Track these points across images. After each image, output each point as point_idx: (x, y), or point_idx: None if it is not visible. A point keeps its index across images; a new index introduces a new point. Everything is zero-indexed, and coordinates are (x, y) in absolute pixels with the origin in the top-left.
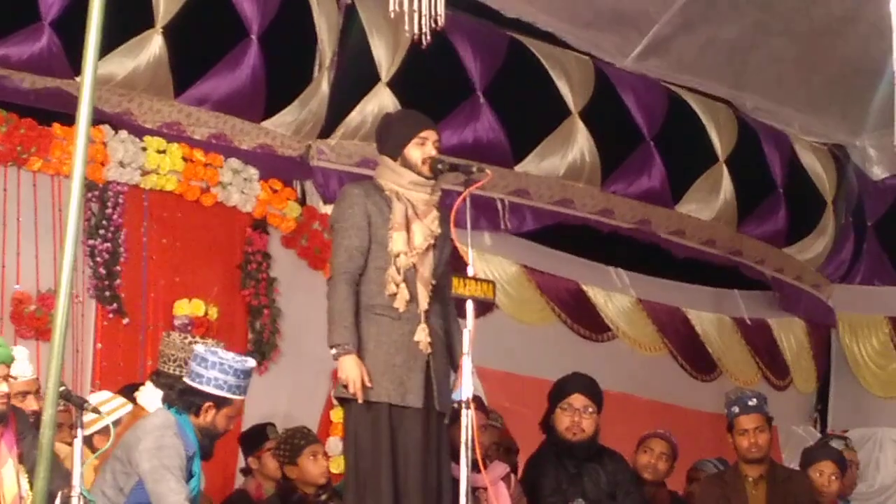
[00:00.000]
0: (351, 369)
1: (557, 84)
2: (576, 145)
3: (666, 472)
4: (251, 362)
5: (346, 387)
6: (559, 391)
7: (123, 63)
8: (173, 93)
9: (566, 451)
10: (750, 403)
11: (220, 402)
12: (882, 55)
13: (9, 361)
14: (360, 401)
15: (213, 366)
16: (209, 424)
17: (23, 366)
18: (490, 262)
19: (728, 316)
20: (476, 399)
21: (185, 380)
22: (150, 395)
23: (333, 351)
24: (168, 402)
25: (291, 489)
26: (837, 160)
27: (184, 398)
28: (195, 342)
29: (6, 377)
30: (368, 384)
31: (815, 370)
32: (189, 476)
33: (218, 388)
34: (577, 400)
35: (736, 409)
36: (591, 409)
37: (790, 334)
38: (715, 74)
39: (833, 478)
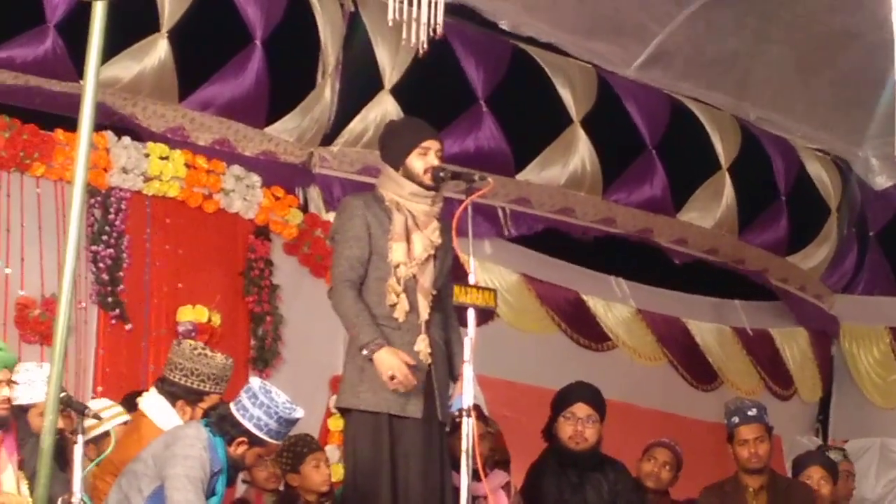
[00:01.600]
0: (391, 360)
1: (560, 92)
2: (577, 154)
3: (669, 481)
4: (298, 413)
5: (392, 378)
6: (562, 400)
7: (128, 67)
8: (178, 97)
9: (568, 460)
10: (750, 413)
11: (254, 441)
12: (884, 65)
13: (11, 365)
14: (412, 384)
15: (261, 406)
16: (237, 457)
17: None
18: (490, 272)
19: (729, 326)
20: (475, 408)
21: (231, 406)
22: (152, 402)
23: (365, 352)
24: (206, 420)
25: (294, 497)
26: (840, 170)
27: (221, 424)
28: (205, 353)
29: (9, 381)
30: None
31: (821, 379)
32: (211, 493)
33: (257, 427)
34: (581, 409)
35: (736, 420)
36: (594, 419)
37: (793, 344)
38: (717, 84)
39: (822, 482)
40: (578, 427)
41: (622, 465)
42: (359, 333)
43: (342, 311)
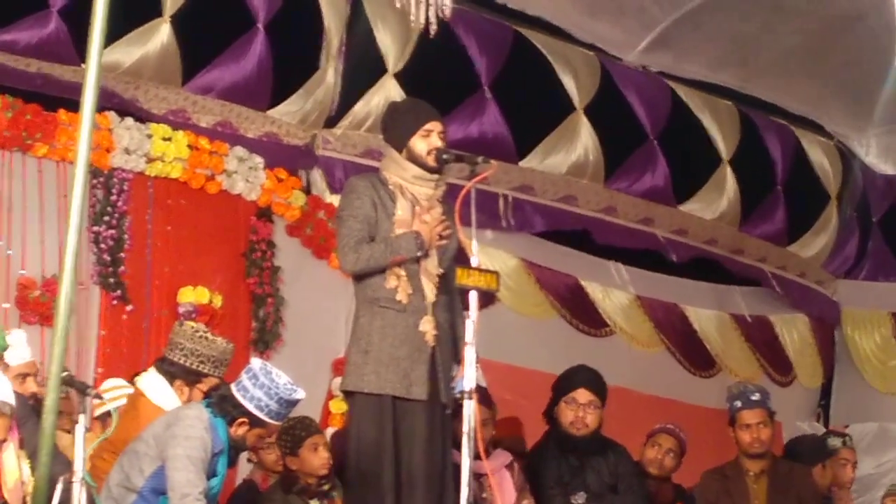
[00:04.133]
0: (426, 230)
1: (563, 80)
2: (580, 142)
3: (672, 468)
4: (299, 394)
5: (442, 237)
6: (564, 384)
7: (130, 51)
8: (181, 81)
9: (569, 445)
10: (752, 398)
11: (254, 422)
12: (889, 51)
13: (2, 349)
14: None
15: (262, 387)
16: (238, 438)
17: (21, 349)
18: (491, 256)
19: (727, 312)
20: (481, 391)
21: (232, 387)
22: (151, 381)
23: (419, 253)
24: (207, 400)
25: (293, 479)
26: (843, 155)
27: (222, 405)
28: (206, 335)
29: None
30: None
31: (822, 365)
32: (212, 473)
33: (258, 408)
34: (582, 395)
35: (738, 404)
36: (595, 404)
37: (793, 330)
38: (722, 67)
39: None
40: (579, 413)
41: (624, 448)
42: (398, 249)
43: (371, 259)
